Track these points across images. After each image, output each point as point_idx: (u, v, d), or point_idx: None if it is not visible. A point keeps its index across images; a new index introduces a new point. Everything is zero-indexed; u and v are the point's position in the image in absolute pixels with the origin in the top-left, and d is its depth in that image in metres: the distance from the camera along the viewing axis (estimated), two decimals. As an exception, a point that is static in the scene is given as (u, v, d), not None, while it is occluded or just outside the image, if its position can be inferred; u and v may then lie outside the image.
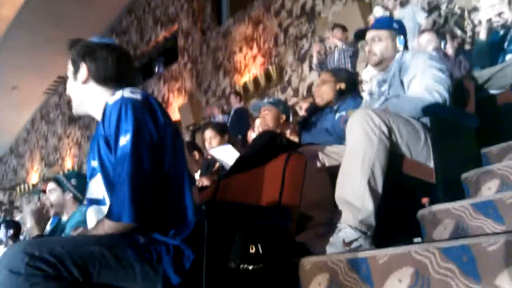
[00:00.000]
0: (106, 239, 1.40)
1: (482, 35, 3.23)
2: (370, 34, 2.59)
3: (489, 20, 3.03)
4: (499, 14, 2.90)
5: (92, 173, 1.58)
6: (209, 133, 4.15)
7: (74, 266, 1.30)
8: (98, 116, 1.60)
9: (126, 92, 1.51)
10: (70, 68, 1.70)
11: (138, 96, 1.51)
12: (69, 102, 1.75)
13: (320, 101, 3.07)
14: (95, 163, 1.56)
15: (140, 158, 1.43)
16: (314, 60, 6.59)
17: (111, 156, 1.49)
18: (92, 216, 1.58)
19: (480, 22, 3.77)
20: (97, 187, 1.56)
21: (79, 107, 1.70)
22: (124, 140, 1.44)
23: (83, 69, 1.65)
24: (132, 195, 1.38)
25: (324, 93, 3.04)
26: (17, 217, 3.20)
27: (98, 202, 1.56)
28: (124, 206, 1.39)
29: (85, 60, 1.65)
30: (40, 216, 3.05)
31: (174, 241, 1.45)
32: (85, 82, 1.65)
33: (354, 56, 6.10)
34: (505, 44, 3.33)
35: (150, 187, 1.43)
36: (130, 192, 1.38)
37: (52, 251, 1.29)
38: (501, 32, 3.47)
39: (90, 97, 1.65)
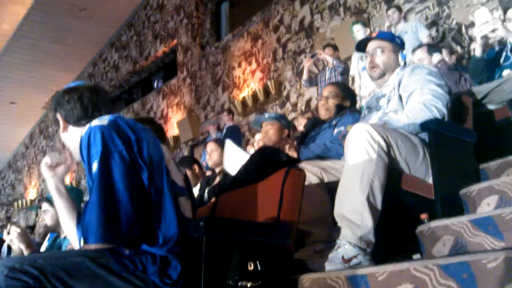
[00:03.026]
0: (90, 251, 1.41)
1: (478, 52, 3.26)
2: (372, 45, 2.57)
3: (484, 37, 3.05)
4: (493, 31, 2.92)
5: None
6: (210, 146, 4.20)
7: (56, 276, 1.32)
8: None
9: (94, 122, 1.55)
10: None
11: (105, 121, 1.54)
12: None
13: (326, 114, 3.06)
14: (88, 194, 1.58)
15: (110, 180, 1.45)
16: (304, 76, 6.64)
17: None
18: None
19: (475, 38, 3.81)
20: None
21: (76, 154, 1.74)
22: (95, 166, 1.47)
23: (59, 119, 1.74)
24: (98, 217, 1.40)
25: (332, 107, 3.04)
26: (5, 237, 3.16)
27: None
28: (90, 228, 1.41)
29: (57, 111, 1.74)
30: (27, 237, 3.02)
31: (161, 252, 1.46)
32: (64, 129, 1.74)
33: (345, 74, 6.16)
34: (501, 60, 3.35)
35: (123, 206, 1.44)
36: (96, 214, 1.41)
37: (33, 263, 1.31)
38: (497, 48, 3.49)
39: (75, 141, 1.69)
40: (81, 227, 1.56)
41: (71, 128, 1.72)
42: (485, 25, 2.88)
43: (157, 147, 1.60)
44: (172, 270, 1.45)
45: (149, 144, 1.56)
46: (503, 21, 3.46)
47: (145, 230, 1.48)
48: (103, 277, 1.38)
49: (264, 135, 3.41)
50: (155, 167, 1.54)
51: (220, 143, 4.30)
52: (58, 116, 1.73)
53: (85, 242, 1.42)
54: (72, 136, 1.72)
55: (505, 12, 3.52)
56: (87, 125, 1.60)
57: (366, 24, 6.41)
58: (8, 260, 1.32)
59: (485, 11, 2.93)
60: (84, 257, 1.38)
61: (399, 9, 5.95)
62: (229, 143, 3.57)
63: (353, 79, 6.45)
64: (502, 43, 3.44)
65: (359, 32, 5.94)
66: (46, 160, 1.76)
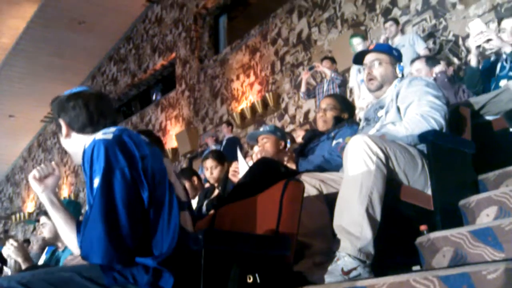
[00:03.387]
0: (80, 266, 1.42)
1: (473, 62, 3.28)
2: (370, 57, 2.58)
3: (479, 47, 3.07)
4: (487, 41, 2.93)
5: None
6: (209, 163, 4.17)
7: None
8: None
9: (99, 135, 1.53)
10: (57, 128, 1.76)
11: (110, 136, 1.52)
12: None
13: (324, 126, 3.07)
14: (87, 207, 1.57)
15: (112, 197, 1.44)
16: (302, 88, 6.66)
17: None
18: None
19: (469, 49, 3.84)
20: None
21: (76, 159, 1.72)
22: (96, 182, 1.45)
23: (62, 125, 1.70)
24: (101, 235, 1.40)
25: (329, 119, 3.05)
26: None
27: None
28: (92, 246, 1.40)
29: (61, 116, 1.70)
30: (25, 250, 3.01)
31: (153, 264, 1.45)
32: (67, 135, 1.70)
33: (342, 86, 6.18)
34: (497, 70, 3.35)
35: (121, 224, 1.43)
36: (99, 233, 1.40)
37: (20, 280, 1.32)
38: (492, 59, 3.51)
39: (78, 147, 1.68)
40: (79, 241, 1.55)
41: (74, 134, 1.69)
42: (480, 36, 2.91)
43: (161, 162, 1.59)
44: (165, 282, 1.45)
45: (153, 160, 1.54)
46: (499, 31, 3.47)
47: (141, 244, 1.48)
48: None
49: (261, 149, 3.41)
50: (158, 182, 1.53)
51: (219, 159, 4.27)
52: (61, 121, 1.70)
53: (86, 259, 1.41)
54: (75, 143, 1.69)
55: (499, 23, 3.53)
56: (92, 134, 1.59)
57: (364, 36, 6.45)
58: None
59: (479, 22, 2.96)
60: (72, 272, 1.38)
61: (396, 22, 5.99)
62: (240, 157, 3.56)
63: (351, 91, 6.47)
64: (498, 53, 3.45)
65: (359, 45, 5.97)
66: (34, 173, 1.73)
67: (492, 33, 2.94)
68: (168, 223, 1.51)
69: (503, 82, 3.24)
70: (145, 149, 1.54)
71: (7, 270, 3.16)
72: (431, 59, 4.05)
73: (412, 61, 4.08)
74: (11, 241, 2.98)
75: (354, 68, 6.04)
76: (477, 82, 3.33)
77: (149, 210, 1.50)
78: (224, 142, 8.01)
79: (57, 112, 1.71)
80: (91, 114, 1.67)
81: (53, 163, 1.82)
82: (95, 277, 1.38)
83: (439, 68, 3.86)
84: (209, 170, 4.18)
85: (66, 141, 1.72)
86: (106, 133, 1.53)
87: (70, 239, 1.60)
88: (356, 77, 5.96)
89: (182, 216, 1.58)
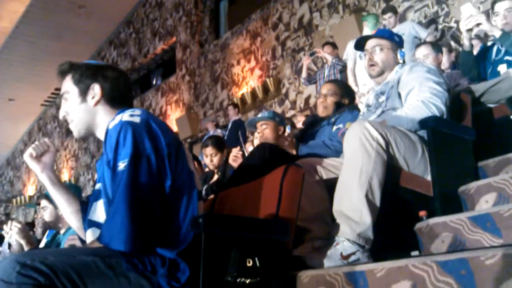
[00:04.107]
0: (100, 250, 1.39)
1: (466, 45, 3.24)
2: (371, 43, 2.58)
3: (469, 30, 3.04)
4: (477, 25, 2.91)
5: (98, 195, 1.56)
6: (209, 151, 4.20)
7: (66, 275, 1.30)
8: (103, 138, 1.58)
9: (126, 116, 1.48)
10: (72, 90, 1.65)
11: (137, 119, 1.48)
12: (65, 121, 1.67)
13: (324, 111, 3.07)
14: (99, 186, 1.54)
15: (137, 184, 1.41)
16: (303, 74, 6.62)
17: (112, 181, 1.47)
18: (90, 239, 1.57)
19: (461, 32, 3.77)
20: (100, 211, 1.54)
21: (83, 130, 1.66)
22: (122, 166, 1.42)
23: (96, 89, 1.62)
24: (125, 222, 1.37)
25: (330, 104, 3.05)
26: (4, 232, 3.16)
27: (98, 225, 1.53)
28: (115, 233, 1.38)
29: (98, 81, 1.62)
30: (27, 233, 3.02)
31: (170, 255, 1.44)
32: (97, 103, 1.62)
33: (344, 71, 6.14)
34: (493, 55, 3.30)
35: (145, 213, 1.41)
36: (122, 220, 1.37)
37: (44, 261, 1.29)
38: (488, 44, 3.46)
39: (98, 118, 1.62)
40: (89, 221, 1.53)
41: (103, 104, 1.62)
42: (469, 20, 2.88)
43: (182, 150, 1.56)
44: (181, 273, 1.43)
45: (176, 147, 1.52)
46: (493, 14, 3.42)
47: (160, 233, 1.46)
48: (111, 277, 1.36)
49: (261, 135, 3.41)
50: (180, 170, 1.51)
51: (219, 146, 4.28)
52: (97, 86, 1.62)
53: (108, 246, 1.38)
54: (97, 113, 1.62)
55: (492, 6, 3.48)
56: (116, 109, 1.54)
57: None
58: (19, 256, 1.29)
59: (469, 6, 2.93)
60: (94, 256, 1.36)
61: (395, 12, 5.91)
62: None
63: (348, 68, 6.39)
64: (494, 38, 3.39)
65: (375, 24, 5.91)
66: (30, 151, 1.67)
67: (482, 17, 2.91)
68: (185, 212, 1.50)
69: (500, 67, 3.20)
70: (169, 136, 1.52)
71: (2, 249, 3.17)
72: (437, 45, 4.01)
73: (418, 46, 4.04)
74: (14, 222, 2.99)
75: (352, 43, 5.95)
76: (471, 66, 3.29)
77: (170, 198, 1.48)
78: (230, 125, 7.99)
79: (92, 76, 1.62)
80: (126, 91, 1.63)
81: (46, 139, 1.76)
82: (115, 262, 1.37)
83: (429, 58, 3.78)
84: (209, 158, 4.20)
85: (87, 108, 1.63)
86: (133, 116, 1.49)
87: (72, 219, 1.58)
88: (354, 53, 5.85)
89: (199, 206, 1.56)
